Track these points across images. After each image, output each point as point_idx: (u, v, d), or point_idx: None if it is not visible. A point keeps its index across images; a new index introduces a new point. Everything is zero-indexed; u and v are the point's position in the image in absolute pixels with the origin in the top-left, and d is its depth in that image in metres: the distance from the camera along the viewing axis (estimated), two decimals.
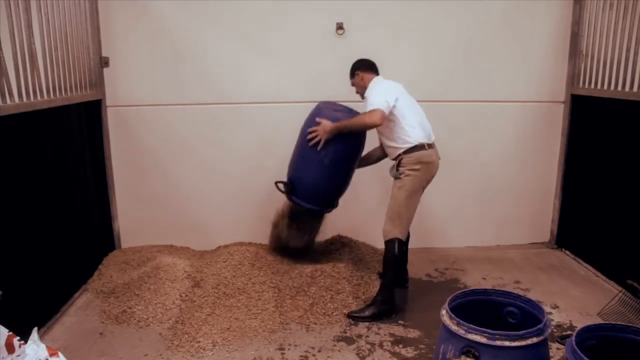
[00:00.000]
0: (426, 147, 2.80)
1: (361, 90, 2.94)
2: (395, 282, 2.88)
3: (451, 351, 1.79)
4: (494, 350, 1.71)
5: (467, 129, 3.71)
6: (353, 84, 3.01)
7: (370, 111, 2.68)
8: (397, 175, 2.80)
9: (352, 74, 2.98)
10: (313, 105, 3.60)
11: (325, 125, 2.86)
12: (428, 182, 2.86)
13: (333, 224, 3.71)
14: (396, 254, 2.78)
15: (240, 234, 3.73)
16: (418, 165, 2.77)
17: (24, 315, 2.23)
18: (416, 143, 2.78)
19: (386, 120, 2.73)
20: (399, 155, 2.81)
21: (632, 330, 1.74)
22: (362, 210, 3.76)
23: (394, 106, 2.72)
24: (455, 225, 3.86)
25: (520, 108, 3.71)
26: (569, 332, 2.58)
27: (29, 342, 1.61)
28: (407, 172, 2.77)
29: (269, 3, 3.44)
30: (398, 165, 2.81)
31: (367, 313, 2.77)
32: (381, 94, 2.74)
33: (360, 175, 3.72)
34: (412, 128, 2.79)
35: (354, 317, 2.77)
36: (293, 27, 3.50)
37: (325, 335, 2.64)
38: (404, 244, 2.88)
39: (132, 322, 2.76)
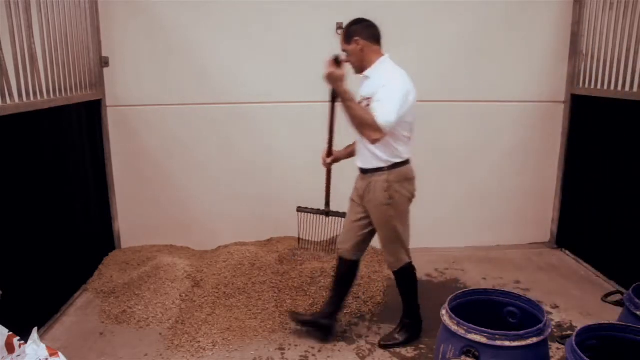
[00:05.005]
0: (409, 162, 2.41)
1: (358, 64, 2.36)
2: (416, 301, 2.60)
3: (451, 351, 1.79)
4: (494, 350, 1.71)
5: (467, 128, 3.71)
6: (346, 51, 2.36)
7: (378, 127, 2.15)
8: (387, 202, 2.34)
9: (350, 38, 2.33)
10: (313, 105, 3.61)
11: (339, 77, 2.23)
12: (414, 196, 2.46)
13: (333, 224, 3.70)
14: (410, 278, 2.54)
15: (240, 234, 3.73)
16: (406, 183, 2.37)
17: (24, 315, 2.23)
18: (406, 158, 2.38)
19: None
20: (382, 168, 2.33)
21: (632, 330, 1.74)
22: None
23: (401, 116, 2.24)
24: (455, 225, 3.86)
25: (520, 108, 3.71)
26: (569, 332, 2.57)
27: (29, 342, 1.60)
28: (397, 195, 2.35)
29: (269, 3, 3.44)
30: (388, 187, 2.33)
31: (400, 339, 2.57)
32: (399, 100, 2.18)
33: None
34: (405, 142, 2.34)
35: (387, 346, 2.54)
36: (293, 28, 3.50)
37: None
38: (412, 266, 2.55)
39: (132, 322, 2.76)
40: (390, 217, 2.37)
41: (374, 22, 2.38)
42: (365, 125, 2.18)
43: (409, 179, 2.40)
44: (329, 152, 2.62)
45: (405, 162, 2.38)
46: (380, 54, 2.36)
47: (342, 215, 2.85)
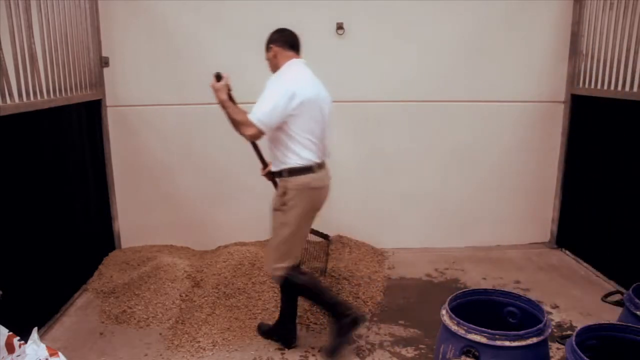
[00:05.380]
0: (316, 168, 2.34)
1: (273, 69, 2.45)
2: (327, 301, 2.42)
3: (451, 351, 1.79)
4: (494, 350, 1.71)
5: (467, 128, 3.71)
6: (267, 59, 2.48)
7: (249, 123, 2.22)
8: (279, 207, 2.33)
9: (267, 47, 2.45)
10: None
11: (218, 88, 2.34)
12: (318, 208, 2.42)
13: (333, 224, 3.71)
14: (302, 281, 2.41)
15: (240, 234, 3.73)
16: (305, 193, 2.31)
17: (24, 315, 2.23)
18: (305, 164, 2.31)
19: (274, 130, 2.27)
20: (282, 172, 2.34)
21: (632, 330, 1.74)
22: (362, 210, 3.76)
23: (291, 114, 2.24)
24: (455, 225, 3.86)
25: (520, 108, 3.71)
26: (569, 332, 2.57)
27: (29, 342, 1.60)
28: (292, 203, 2.30)
29: (269, 3, 3.44)
30: (283, 193, 2.33)
31: (341, 338, 2.39)
32: (275, 98, 2.22)
33: (360, 174, 3.73)
34: (305, 144, 2.31)
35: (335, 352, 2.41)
36: (293, 27, 3.48)
37: (325, 335, 2.64)
38: (300, 272, 2.46)
39: (132, 322, 2.76)
40: (280, 223, 2.34)
41: (292, 31, 2.48)
42: (239, 123, 2.27)
43: (312, 189, 2.33)
44: (263, 164, 2.62)
45: (308, 170, 2.32)
46: (290, 58, 2.41)
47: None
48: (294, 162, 2.31)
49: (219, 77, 2.37)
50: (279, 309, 2.62)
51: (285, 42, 2.42)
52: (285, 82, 2.28)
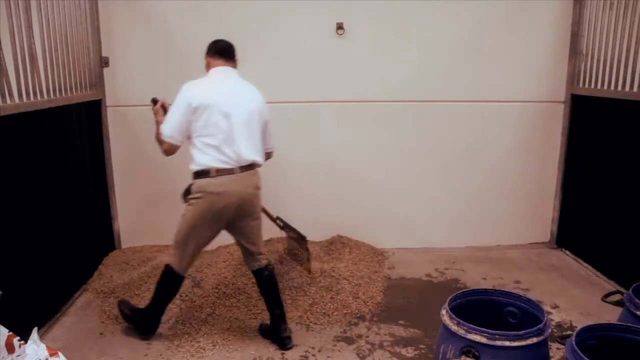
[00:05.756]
0: (214, 173, 2.32)
1: None
2: (156, 309, 2.56)
3: (451, 351, 1.80)
4: (494, 350, 1.71)
5: (467, 128, 3.71)
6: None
7: (161, 140, 2.38)
8: (184, 203, 2.45)
9: (205, 57, 2.55)
10: (312, 106, 3.61)
11: (155, 111, 2.52)
12: (216, 216, 2.39)
13: (333, 224, 3.71)
14: (165, 281, 2.50)
15: None
16: (199, 195, 2.34)
17: (24, 315, 2.23)
18: (201, 169, 2.33)
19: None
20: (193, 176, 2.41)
21: (632, 330, 1.74)
22: (362, 210, 3.76)
23: (190, 121, 2.31)
24: (455, 225, 3.86)
25: (520, 108, 3.71)
26: (569, 332, 2.57)
27: (29, 342, 1.60)
28: (192, 201, 2.38)
29: (268, 3, 3.44)
30: (187, 190, 2.42)
31: (127, 312, 2.64)
32: (173, 110, 2.35)
33: (360, 174, 3.73)
34: (202, 149, 2.33)
35: (120, 305, 2.68)
36: (293, 27, 3.50)
37: (325, 335, 2.64)
38: (179, 277, 2.49)
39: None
40: (182, 215, 2.47)
41: (226, 41, 2.55)
42: (158, 142, 2.44)
43: (209, 193, 2.34)
44: None
45: (205, 174, 2.34)
46: (215, 66, 2.49)
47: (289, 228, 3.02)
48: (193, 166, 2.38)
49: (155, 101, 2.55)
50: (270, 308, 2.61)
51: (215, 51, 2.50)
52: (181, 92, 2.37)
